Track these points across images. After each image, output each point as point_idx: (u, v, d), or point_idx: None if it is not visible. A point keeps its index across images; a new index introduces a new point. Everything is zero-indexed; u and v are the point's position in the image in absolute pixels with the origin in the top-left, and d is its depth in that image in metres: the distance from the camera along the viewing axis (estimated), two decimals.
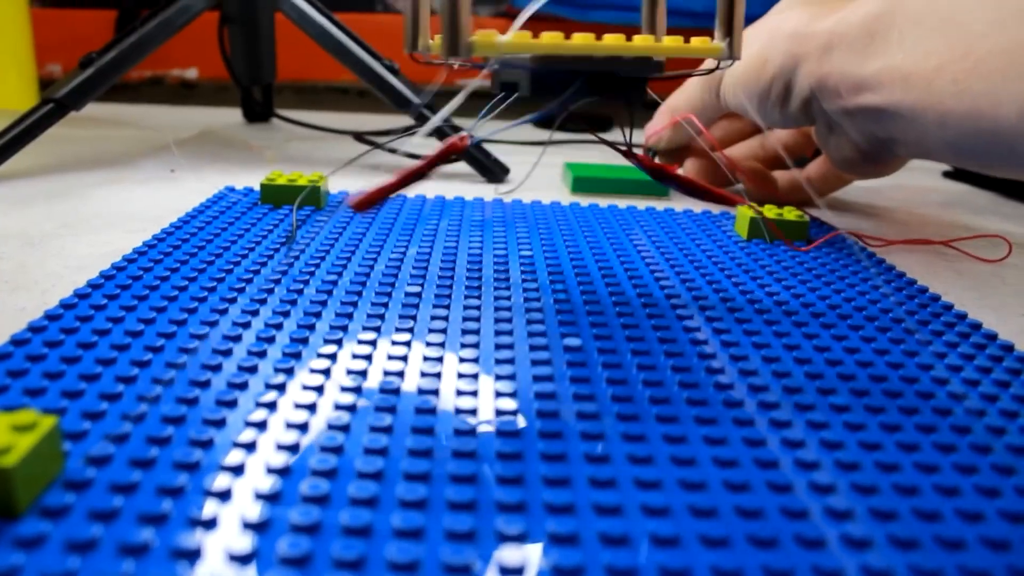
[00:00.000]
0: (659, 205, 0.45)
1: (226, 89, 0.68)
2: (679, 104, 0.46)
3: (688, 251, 0.36)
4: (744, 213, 0.39)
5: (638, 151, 0.29)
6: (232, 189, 0.43)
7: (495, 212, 0.40)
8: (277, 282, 0.29)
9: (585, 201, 0.44)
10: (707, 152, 0.48)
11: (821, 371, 0.24)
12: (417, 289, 0.29)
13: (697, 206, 0.45)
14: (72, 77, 0.48)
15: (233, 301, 0.27)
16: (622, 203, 0.45)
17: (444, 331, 0.25)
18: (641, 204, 0.45)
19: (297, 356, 0.23)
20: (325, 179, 0.41)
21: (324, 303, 0.27)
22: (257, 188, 0.44)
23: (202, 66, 0.89)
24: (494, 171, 0.51)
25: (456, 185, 0.50)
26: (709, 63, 0.27)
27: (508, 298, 0.28)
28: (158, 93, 0.92)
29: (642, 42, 0.24)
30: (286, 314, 0.26)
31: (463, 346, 0.24)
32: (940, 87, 0.30)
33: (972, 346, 0.26)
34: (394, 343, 0.24)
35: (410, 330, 0.25)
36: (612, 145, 0.29)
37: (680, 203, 0.47)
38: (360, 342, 0.24)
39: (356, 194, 0.24)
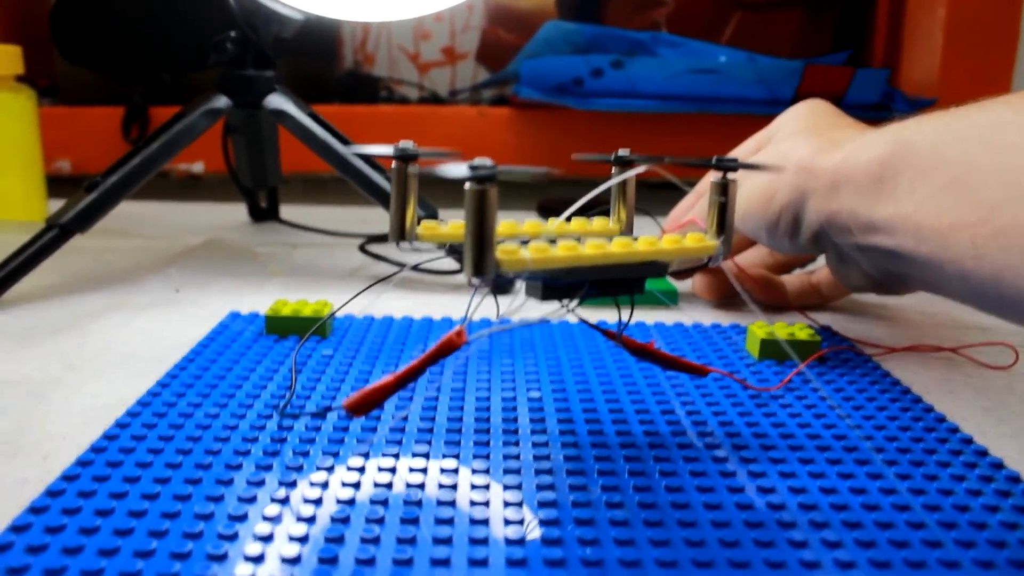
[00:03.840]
0: (668, 318, 0.45)
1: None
2: (684, 215, 0.45)
3: (697, 379, 0.35)
4: (755, 332, 0.39)
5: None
6: (237, 315, 0.43)
7: (501, 337, 0.40)
8: (283, 440, 0.28)
9: (593, 316, 0.44)
10: None
11: (827, 519, 0.23)
12: (425, 449, 0.28)
13: (707, 319, 0.45)
14: (77, 201, 0.48)
15: (238, 468, 0.26)
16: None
17: (453, 504, 0.25)
18: (650, 318, 0.45)
19: (311, 521, 0.22)
20: (330, 306, 0.41)
21: (331, 468, 0.27)
22: (262, 311, 0.43)
23: (208, 160, 0.89)
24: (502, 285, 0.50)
25: (463, 297, 0.50)
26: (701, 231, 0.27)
27: (517, 457, 0.28)
28: (166, 186, 0.93)
29: (646, 247, 0.25)
30: (295, 475, 0.25)
31: (472, 522, 0.24)
32: (957, 247, 0.29)
33: (997, 494, 0.26)
34: (403, 521, 0.24)
35: (418, 503, 0.25)
36: (603, 331, 0.29)
37: (689, 316, 0.47)
38: (368, 520, 0.24)
39: (352, 395, 0.24)
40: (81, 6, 0.94)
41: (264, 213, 0.73)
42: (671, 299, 0.48)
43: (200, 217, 0.76)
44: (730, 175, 0.28)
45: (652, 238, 0.26)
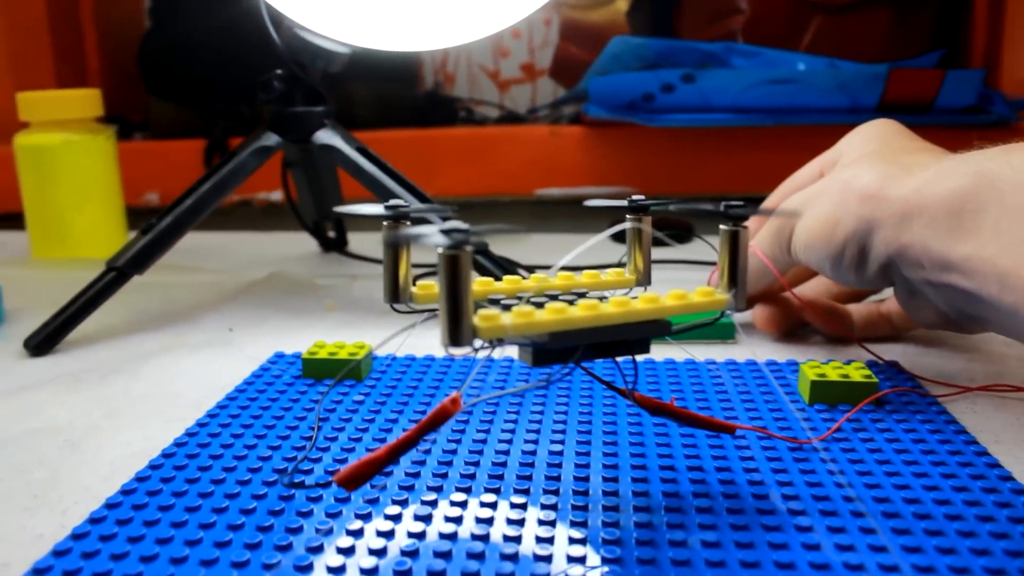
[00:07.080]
0: (721, 353, 0.43)
1: None
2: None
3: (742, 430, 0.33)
4: (806, 373, 0.36)
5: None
6: (281, 356, 0.43)
7: (543, 378, 0.39)
8: (290, 498, 0.28)
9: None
10: (775, 295, 0.45)
11: None
12: (427, 511, 0.27)
13: (760, 355, 0.42)
14: (134, 243, 0.49)
15: (240, 528, 0.26)
16: (679, 354, 0.42)
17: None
18: (702, 354, 0.42)
19: None
20: (367, 347, 0.40)
21: (329, 531, 0.26)
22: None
23: None
24: None
25: None
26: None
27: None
28: (249, 214, 0.95)
29: (645, 304, 0.23)
30: (291, 538, 0.25)
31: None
32: None
33: None
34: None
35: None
36: (615, 388, 0.28)
37: (747, 350, 0.44)
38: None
39: (343, 469, 0.23)
40: (164, 43, 0.98)
41: (333, 243, 0.74)
42: (727, 334, 0.46)
43: (271, 248, 0.78)
44: (744, 222, 0.26)
45: (655, 294, 0.24)
